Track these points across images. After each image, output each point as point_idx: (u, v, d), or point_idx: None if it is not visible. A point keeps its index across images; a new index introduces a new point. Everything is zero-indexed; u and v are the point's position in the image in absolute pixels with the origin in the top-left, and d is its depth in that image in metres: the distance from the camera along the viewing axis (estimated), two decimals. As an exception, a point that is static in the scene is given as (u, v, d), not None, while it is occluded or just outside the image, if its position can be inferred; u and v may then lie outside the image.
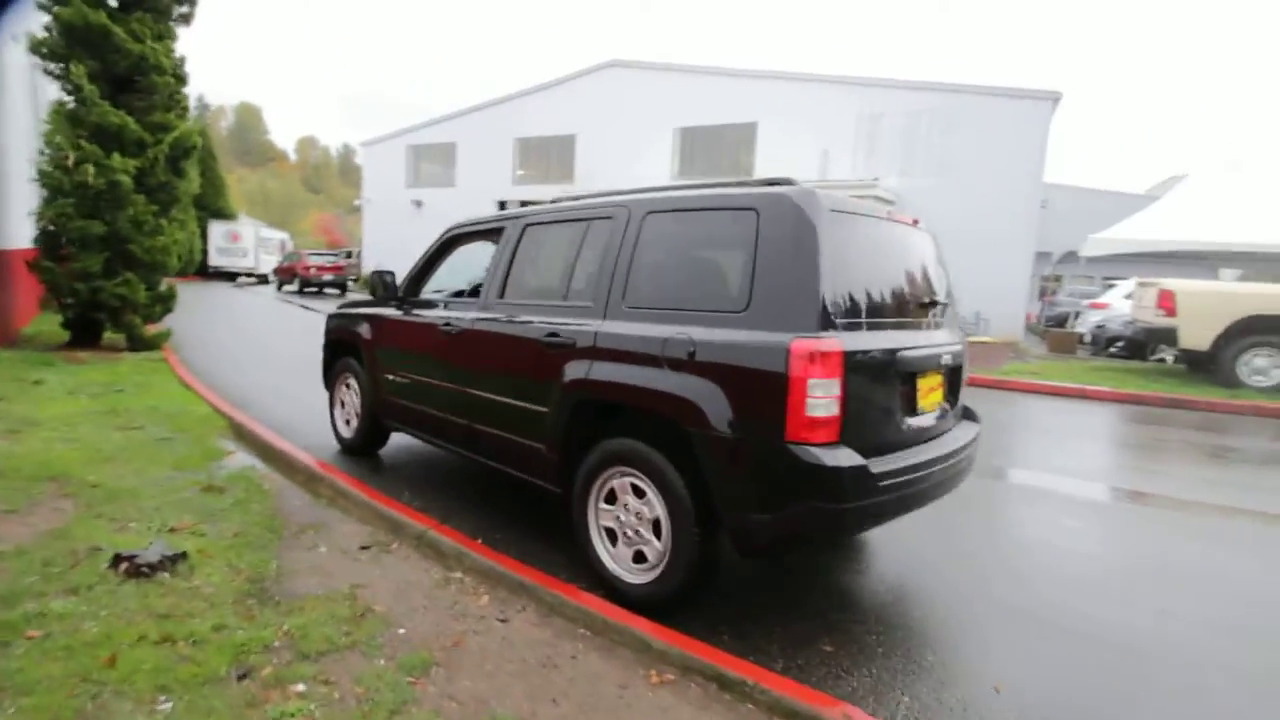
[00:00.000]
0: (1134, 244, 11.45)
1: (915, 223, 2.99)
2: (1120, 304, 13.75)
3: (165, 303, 8.19)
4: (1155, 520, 4.16)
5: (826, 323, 2.26)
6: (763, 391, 2.27)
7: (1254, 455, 6.06)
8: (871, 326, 2.46)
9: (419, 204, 25.85)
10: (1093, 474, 5.22)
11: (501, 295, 3.42)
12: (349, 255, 27.82)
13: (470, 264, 5.18)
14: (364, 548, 3.06)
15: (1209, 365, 9.06)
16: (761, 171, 19.88)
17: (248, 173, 60.24)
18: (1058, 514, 4.14)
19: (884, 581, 3.09)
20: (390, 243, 25.86)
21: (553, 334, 2.98)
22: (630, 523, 2.70)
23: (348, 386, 4.74)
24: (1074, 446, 6.35)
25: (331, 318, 4.95)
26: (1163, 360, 11.33)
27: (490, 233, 3.86)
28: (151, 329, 8.21)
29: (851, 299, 2.39)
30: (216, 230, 27.70)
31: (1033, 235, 16.83)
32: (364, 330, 4.43)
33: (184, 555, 2.74)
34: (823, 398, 2.20)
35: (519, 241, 3.44)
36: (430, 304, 4.05)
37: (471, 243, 4.37)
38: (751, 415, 2.30)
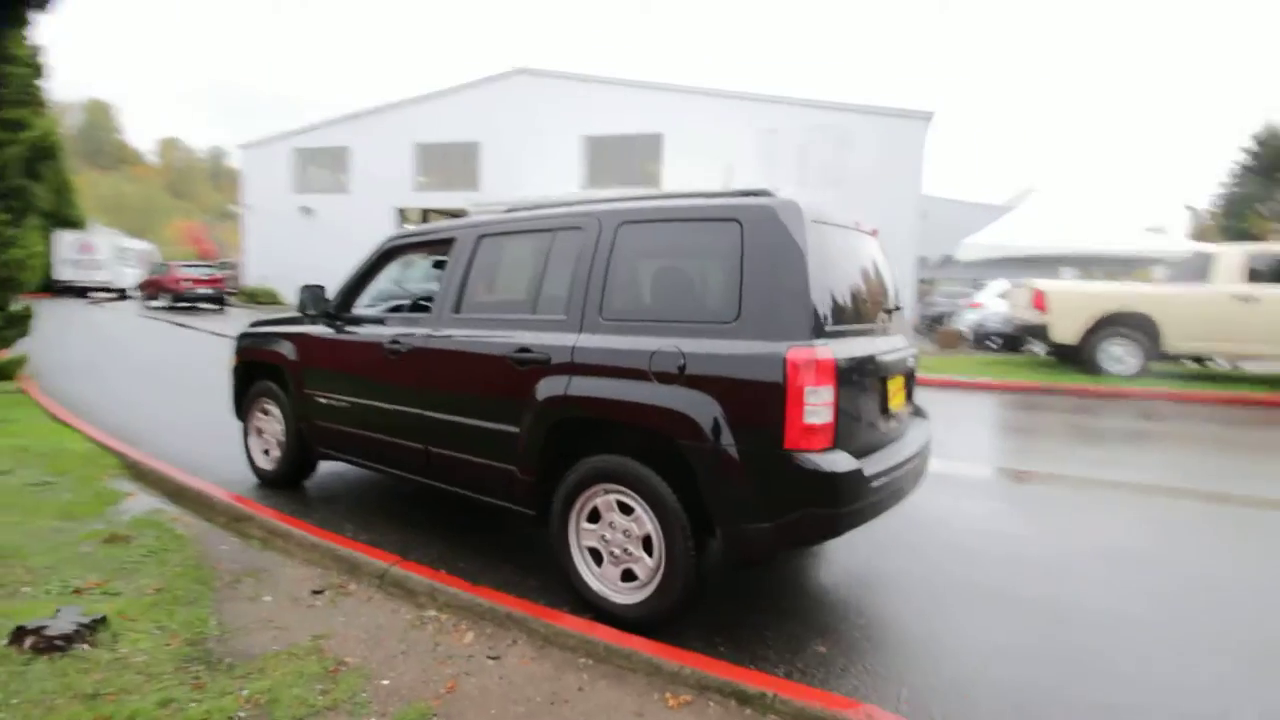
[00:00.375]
0: (999, 249, 13.03)
1: (874, 233, 3.13)
2: (993, 303, 15.18)
3: (19, 325, 7.11)
4: (1057, 498, 4.59)
5: (818, 331, 2.31)
6: (759, 401, 2.28)
7: (1122, 433, 6.86)
8: (850, 333, 2.54)
9: (308, 210, 24.19)
10: (999, 457, 5.70)
11: (458, 310, 3.23)
12: (226, 266, 25.52)
13: (409, 277, 4.91)
14: (317, 592, 2.77)
15: (1076, 356, 10.17)
16: (668, 182, 20.28)
17: (99, 176, 53.82)
18: (965, 496, 4.45)
19: (848, 574, 3.19)
20: (276, 251, 24.02)
21: (523, 349, 2.84)
22: (617, 541, 2.62)
23: (265, 413, 4.31)
24: (979, 432, 6.92)
25: (244, 337, 4.49)
26: (1034, 353, 12.62)
27: (437, 244, 3.65)
28: (2, 355, 7.09)
29: (834, 306, 2.46)
30: (64, 240, 24.54)
31: (915, 243, 18.26)
32: (288, 351, 4.04)
33: (103, 620, 2.35)
34: (818, 405, 2.24)
35: (474, 253, 3.27)
36: (369, 320, 3.77)
37: (412, 254, 4.13)
38: (748, 425, 2.30)
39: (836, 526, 2.29)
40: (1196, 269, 9.76)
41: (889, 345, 2.86)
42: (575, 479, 2.69)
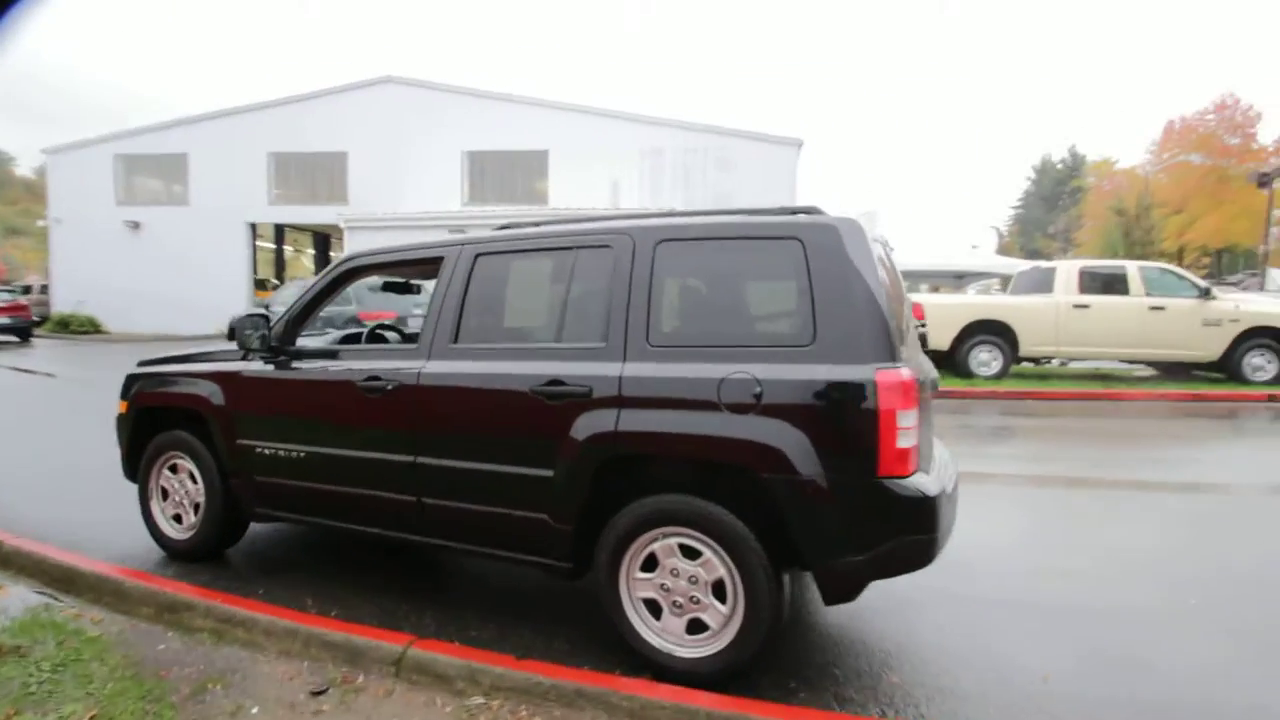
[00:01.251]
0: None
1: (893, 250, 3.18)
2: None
3: None
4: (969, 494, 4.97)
5: (894, 352, 2.25)
6: (849, 428, 2.18)
7: (1002, 430, 7.66)
8: (905, 353, 2.53)
9: (136, 225, 21.04)
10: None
11: (455, 339, 2.83)
12: (27, 290, 21.46)
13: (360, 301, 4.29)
14: (318, 693, 2.25)
15: (948, 361, 11.28)
16: (555, 199, 20.04)
17: None
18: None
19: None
20: (96, 272, 20.60)
21: (554, 382, 2.53)
22: (680, 590, 2.39)
23: (173, 470, 3.54)
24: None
25: (137, 379, 3.67)
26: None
27: (415, 264, 3.21)
28: None
29: (898, 325, 2.42)
30: None
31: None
32: (212, 394, 3.34)
33: (38, 779, 1.72)
34: (908, 428, 2.19)
35: (470, 274, 2.89)
36: (322, 355, 3.21)
37: (378, 275, 3.60)
38: (839, 454, 2.19)
39: (930, 552, 2.24)
40: (1041, 282, 11.23)
41: (925, 363, 2.89)
42: (627, 524, 2.43)
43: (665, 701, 2.09)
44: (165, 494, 3.60)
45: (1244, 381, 9.85)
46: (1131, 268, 10.72)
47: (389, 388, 2.86)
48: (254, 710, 2.16)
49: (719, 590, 2.35)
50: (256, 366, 3.28)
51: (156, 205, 21.44)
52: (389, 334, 3.87)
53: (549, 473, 2.53)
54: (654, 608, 2.45)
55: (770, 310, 2.45)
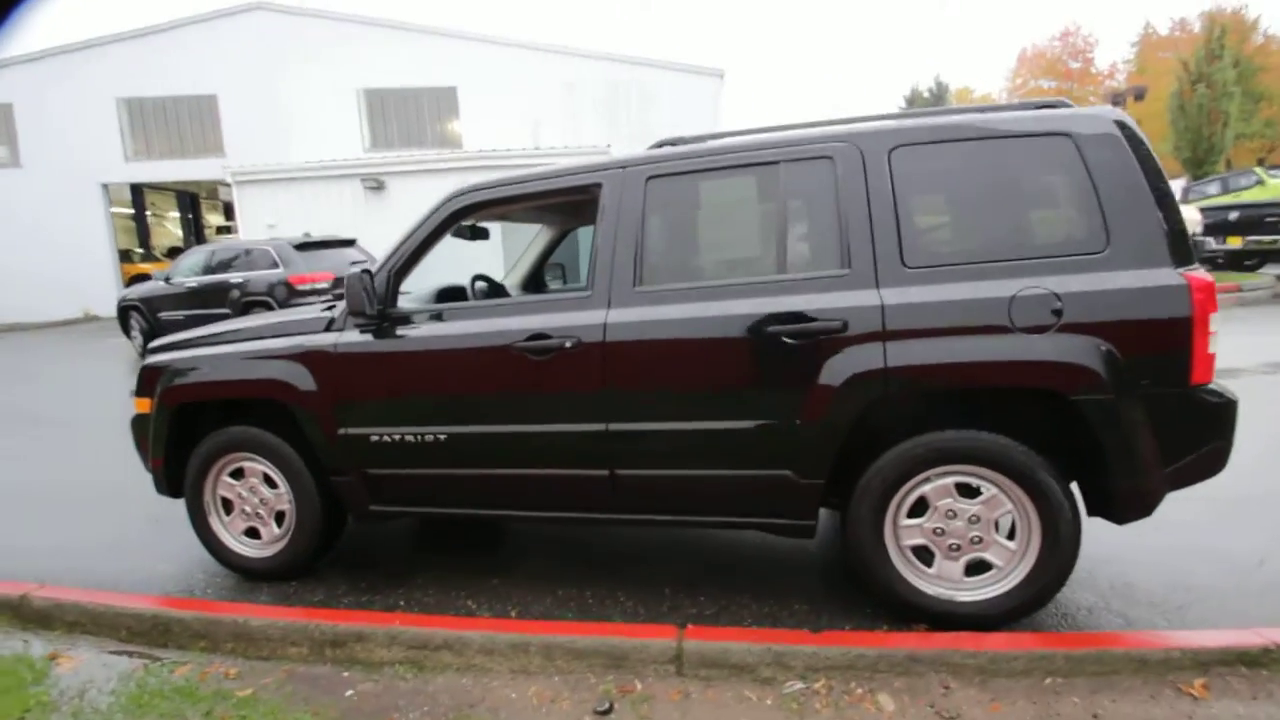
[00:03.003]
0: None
1: None
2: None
3: None
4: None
5: (1190, 252, 2.09)
6: (1164, 337, 2.02)
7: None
8: None
9: (-50, 195, 17.32)
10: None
11: (639, 281, 2.37)
12: None
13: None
14: (603, 712, 1.87)
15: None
16: (469, 140, 18.52)
17: None
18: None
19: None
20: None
21: (796, 317, 2.18)
22: (957, 531, 2.19)
23: (236, 476, 2.88)
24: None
25: (163, 371, 2.90)
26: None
27: (546, 197, 2.66)
28: None
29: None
30: None
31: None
32: (296, 378, 2.67)
33: None
34: (1214, 332, 2.06)
35: (644, 203, 2.41)
36: (443, 315, 2.64)
37: (491, 215, 2.99)
38: (1153, 365, 2.03)
39: (1226, 458, 2.16)
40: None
41: None
42: (895, 468, 2.18)
43: (1018, 651, 1.91)
44: (229, 506, 2.92)
45: None
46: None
47: (566, 345, 2.37)
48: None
49: (1003, 527, 2.18)
50: (354, 338, 2.65)
51: (-24, 169, 17.71)
52: (480, 284, 3.29)
53: (792, 422, 2.21)
54: (922, 555, 2.25)
55: (1044, 217, 2.21)
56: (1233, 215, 11.38)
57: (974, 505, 2.18)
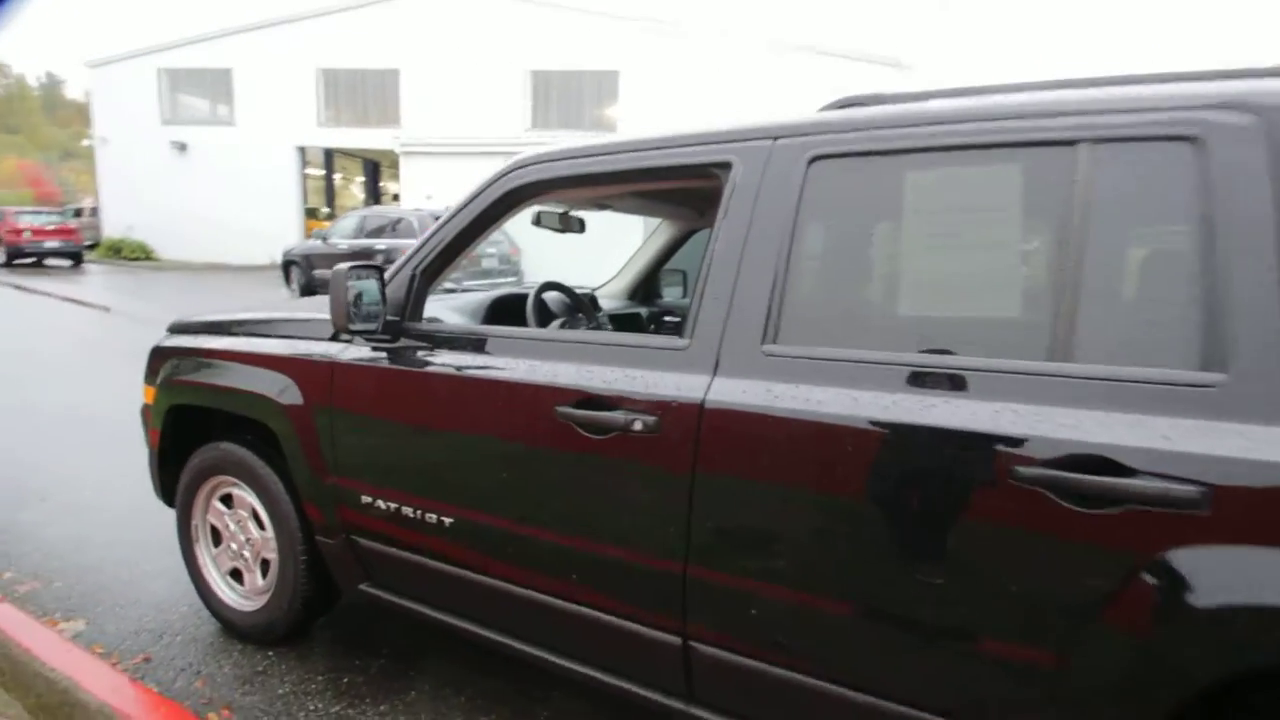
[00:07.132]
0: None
1: None
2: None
3: None
4: None
5: None
6: None
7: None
8: None
9: (183, 147, 19.94)
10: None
11: (772, 337, 1.36)
12: (79, 214, 20.83)
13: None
14: None
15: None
16: (625, 127, 18.09)
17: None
18: None
19: None
20: (144, 196, 19.70)
21: (1099, 464, 1.06)
22: None
23: (226, 503, 2.26)
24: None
25: (169, 356, 2.35)
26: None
27: (652, 176, 1.73)
28: None
29: None
30: None
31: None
32: (286, 394, 1.98)
33: None
34: None
35: (799, 202, 1.39)
36: (485, 343, 1.78)
37: (582, 198, 2.16)
38: None
39: None
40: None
41: None
42: None
43: None
44: (217, 537, 2.33)
45: None
46: None
47: (635, 427, 1.43)
48: None
49: None
50: (363, 354, 1.90)
51: (202, 125, 20.21)
52: (553, 295, 2.45)
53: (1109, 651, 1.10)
54: None
55: None
56: None
57: None
